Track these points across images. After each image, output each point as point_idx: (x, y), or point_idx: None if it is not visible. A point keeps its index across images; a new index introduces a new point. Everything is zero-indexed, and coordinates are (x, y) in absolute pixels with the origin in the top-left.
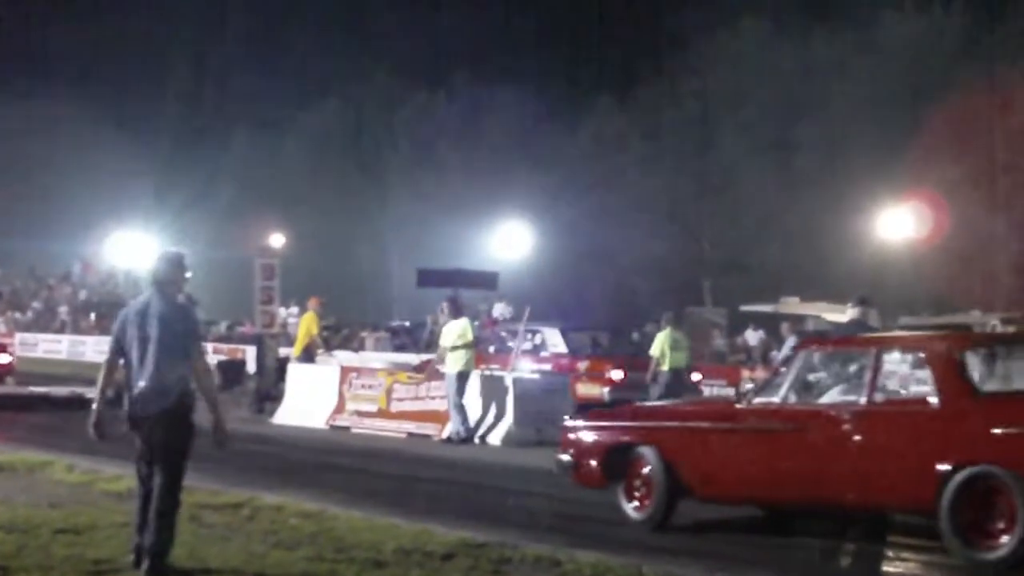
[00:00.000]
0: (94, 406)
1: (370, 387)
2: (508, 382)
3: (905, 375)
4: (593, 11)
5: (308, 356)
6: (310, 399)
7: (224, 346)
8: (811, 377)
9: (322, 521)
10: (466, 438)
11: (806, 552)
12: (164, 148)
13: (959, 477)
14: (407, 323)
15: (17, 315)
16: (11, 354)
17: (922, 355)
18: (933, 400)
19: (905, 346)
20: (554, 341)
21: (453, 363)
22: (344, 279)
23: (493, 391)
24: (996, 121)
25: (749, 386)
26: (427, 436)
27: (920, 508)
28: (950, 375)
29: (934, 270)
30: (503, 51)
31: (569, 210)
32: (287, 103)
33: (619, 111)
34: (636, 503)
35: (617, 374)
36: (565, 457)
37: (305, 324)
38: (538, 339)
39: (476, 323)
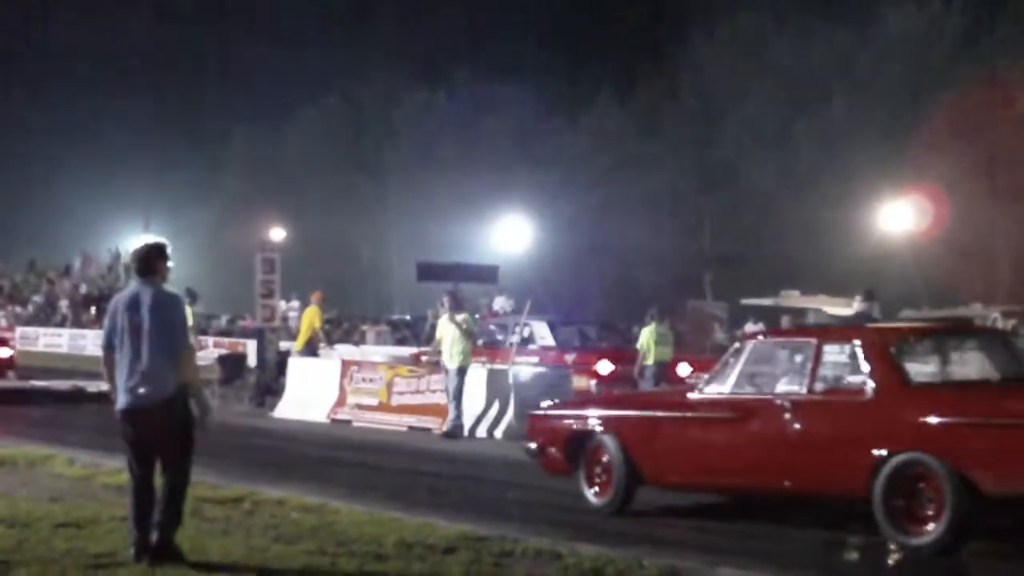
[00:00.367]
0: (113, 395)
1: (371, 381)
2: (509, 376)
3: (844, 366)
4: (593, 8)
5: (311, 350)
6: (311, 393)
7: (225, 340)
8: (758, 368)
9: (323, 515)
10: (454, 432)
11: (799, 540)
12: (165, 142)
13: (890, 464)
14: (408, 317)
15: (17, 309)
16: (12, 348)
17: (858, 346)
18: (867, 390)
19: (843, 338)
20: (542, 334)
21: (452, 358)
22: (344, 273)
23: (494, 385)
24: (996, 116)
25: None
26: (428, 430)
27: (855, 494)
28: (883, 366)
29: (935, 264)
30: (503, 48)
31: (570, 205)
32: (288, 99)
33: (619, 107)
34: (596, 489)
35: (604, 367)
36: (532, 445)
37: (308, 318)
38: (527, 332)
39: (477, 316)
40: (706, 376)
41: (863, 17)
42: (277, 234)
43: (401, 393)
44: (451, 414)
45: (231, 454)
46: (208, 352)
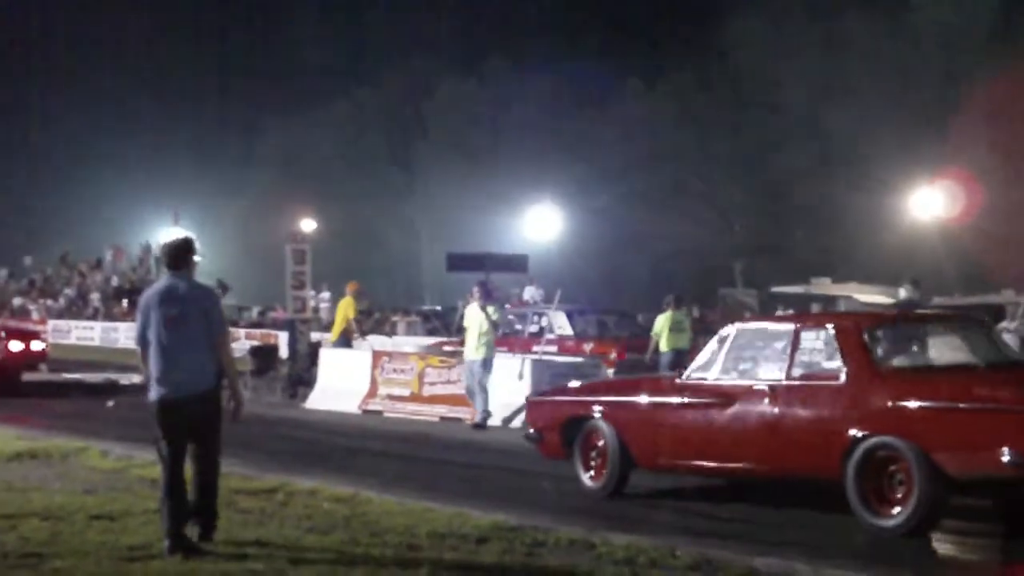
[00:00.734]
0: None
1: (402, 371)
2: (541, 366)
3: (820, 352)
4: None
5: (345, 341)
6: (343, 384)
7: (256, 331)
8: (741, 354)
9: (356, 505)
10: (484, 423)
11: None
12: (196, 135)
13: (862, 448)
14: (438, 307)
15: (49, 302)
16: (44, 341)
17: (832, 333)
18: (841, 375)
19: (819, 324)
20: (560, 324)
21: (477, 349)
22: (374, 264)
23: (527, 375)
24: None
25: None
26: (459, 420)
27: (829, 477)
28: (855, 351)
29: (966, 250)
30: (533, 38)
31: (600, 195)
32: (318, 90)
33: (649, 96)
34: (592, 473)
35: (621, 356)
36: (531, 430)
37: (342, 309)
38: (544, 322)
39: (507, 306)
40: (693, 362)
41: (896, 1)
42: (308, 225)
43: (432, 383)
44: (479, 405)
45: (264, 445)
46: (240, 344)
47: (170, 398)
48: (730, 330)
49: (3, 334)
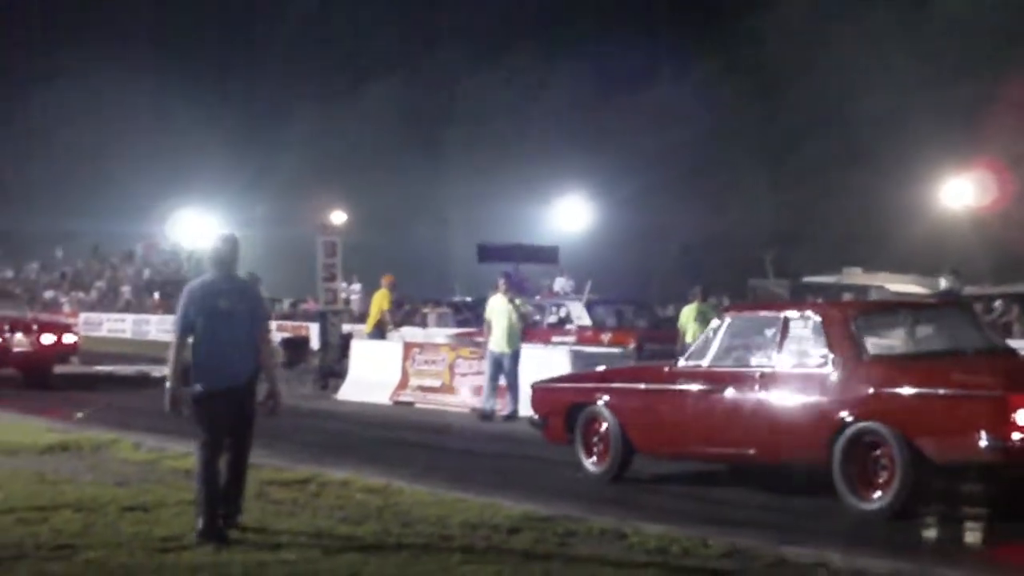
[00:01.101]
0: (169, 384)
1: (433, 362)
2: (571, 357)
3: (808, 340)
4: None
5: (379, 332)
6: (374, 375)
7: (288, 323)
8: (734, 342)
9: (388, 496)
10: (489, 415)
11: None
12: (225, 126)
13: (847, 433)
14: (468, 298)
15: (81, 295)
16: (76, 334)
17: (819, 321)
18: (827, 363)
19: (806, 313)
20: (578, 314)
21: (508, 342)
22: (404, 255)
23: (560, 366)
24: None
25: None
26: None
27: (816, 461)
28: (840, 339)
29: (997, 239)
30: (563, 26)
31: (629, 184)
32: (347, 79)
33: (678, 84)
34: (595, 458)
35: (639, 347)
36: (536, 416)
37: (377, 301)
38: (563, 312)
39: (537, 297)
40: (689, 349)
41: None
42: (338, 217)
43: (463, 374)
44: (510, 396)
45: (296, 436)
46: (272, 336)
47: (212, 390)
48: (724, 318)
49: (35, 327)
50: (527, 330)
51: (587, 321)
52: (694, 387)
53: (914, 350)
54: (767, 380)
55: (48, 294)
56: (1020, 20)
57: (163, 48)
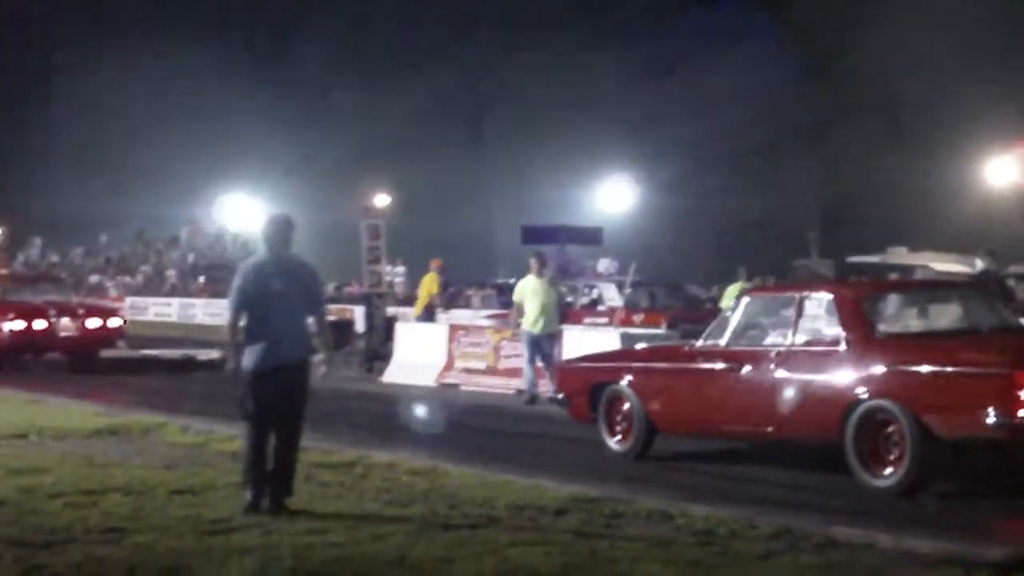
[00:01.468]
0: (230, 356)
1: (478, 344)
2: (622, 339)
3: (822, 319)
4: None
5: (428, 315)
6: (419, 357)
7: (333, 306)
8: (751, 322)
9: (434, 478)
10: (535, 397)
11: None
12: (270, 110)
13: (859, 411)
14: (512, 280)
15: (127, 279)
16: (122, 318)
17: (832, 300)
18: (840, 341)
19: (820, 292)
20: (611, 295)
21: (549, 324)
22: (447, 237)
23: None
24: None
25: None
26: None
27: (830, 438)
28: (853, 318)
29: None
30: (605, 8)
31: (673, 165)
32: (390, 63)
33: (718, 65)
34: (619, 437)
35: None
36: (560, 395)
37: (426, 285)
38: (595, 294)
39: (582, 279)
40: (707, 329)
41: None
42: (381, 200)
43: (508, 356)
44: (550, 378)
45: (342, 419)
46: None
47: (261, 369)
48: (742, 299)
49: (81, 311)
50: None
51: (619, 303)
52: (713, 366)
53: (926, 329)
54: (783, 359)
55: (93, 279)
56: None
57: (209, 32)
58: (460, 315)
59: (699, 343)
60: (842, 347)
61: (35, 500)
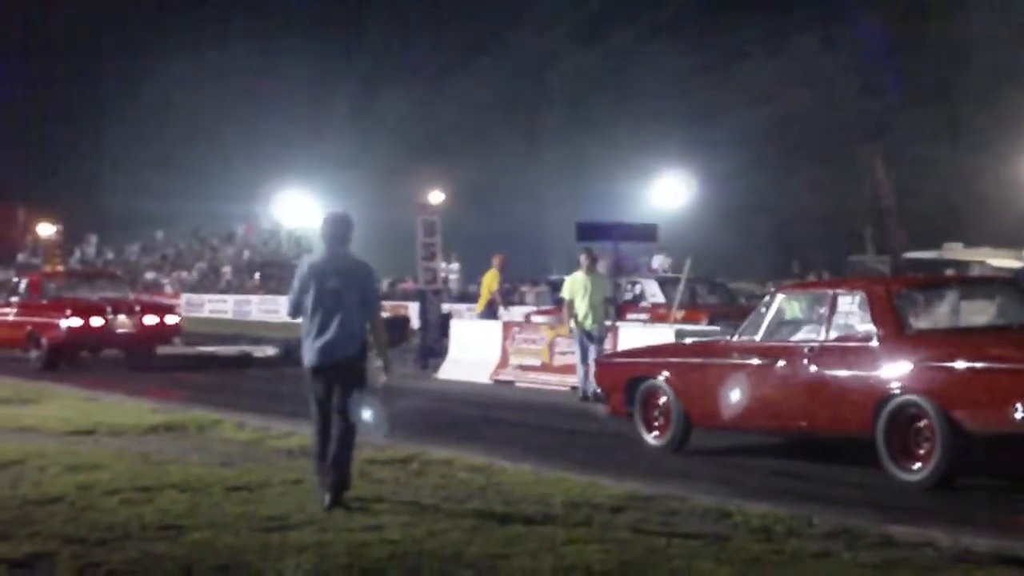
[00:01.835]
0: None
1: (533, 341)
2: (672, 335)
3: (855, 315)
4: None
5: (490, 312)
6: (474, 354)
7: (387, 303)
8: (784, 317)
9: (490, 475)
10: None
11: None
12: (324, 107)
13: (890, 406)
14: (566, 277)
15: (182, 276)
16: (177, 314)
17: (864, 297)
18: (872, 337)
19: (853, 289)
20: (652, 291)
21: (589, 319)
22: (501, 233)
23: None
24: None
25: None
26: None
27: (861, 433)
28: (884, 314)
29: None
30: (660, 3)
31: (728, 161)
32: (444, 59)
33: (774, 59)
34: (656, 432)
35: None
36: (598, 390)
37: (487, 282)
38: (637, 290)
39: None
40: (743, 324)
41: None
42: (436, 197)
43: (563, 353)
44: (581, 379)
45: (396, 415)
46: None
47: (315, 365)
48: (775, 295)
49: (137, 308)
50: None
51: (661, 299)
52: (747, 361)
53: (957, 324)
54: (816, 354)
55: (149, 275)
56: None
57: (264, 32)
58: (514, 312)
59: (735, 338)
60: (874, 343)
61: (91, 497)
